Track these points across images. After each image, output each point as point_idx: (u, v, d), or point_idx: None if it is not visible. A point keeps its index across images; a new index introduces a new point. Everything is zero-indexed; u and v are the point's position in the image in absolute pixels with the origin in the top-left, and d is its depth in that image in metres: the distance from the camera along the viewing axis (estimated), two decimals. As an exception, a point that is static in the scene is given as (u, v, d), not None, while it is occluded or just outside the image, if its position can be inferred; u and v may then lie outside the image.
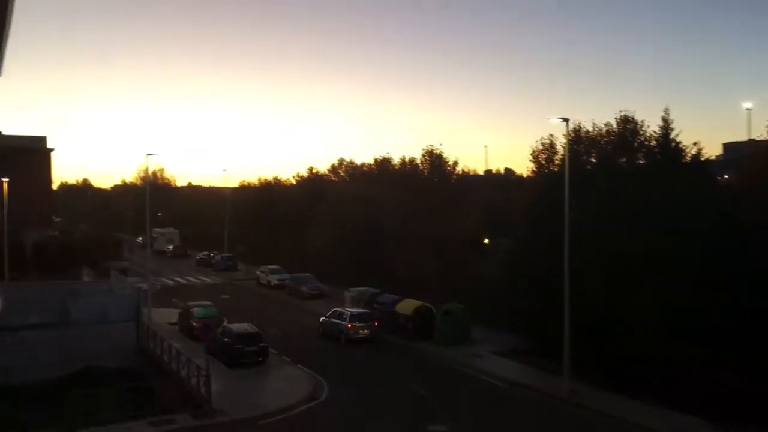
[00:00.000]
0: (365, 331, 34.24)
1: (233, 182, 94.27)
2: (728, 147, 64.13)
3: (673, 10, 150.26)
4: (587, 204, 28.01)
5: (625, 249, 26.34)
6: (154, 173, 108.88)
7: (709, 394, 21.75)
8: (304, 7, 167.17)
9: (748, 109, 71.97)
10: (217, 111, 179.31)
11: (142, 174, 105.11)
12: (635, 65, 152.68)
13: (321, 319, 36.58)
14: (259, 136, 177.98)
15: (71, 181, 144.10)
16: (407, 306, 35.10)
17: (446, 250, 43.26)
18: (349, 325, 34.15)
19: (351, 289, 41.37)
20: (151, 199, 41.67)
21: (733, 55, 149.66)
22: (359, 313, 35.20)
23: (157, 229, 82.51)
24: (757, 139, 38.93)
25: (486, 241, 48.13)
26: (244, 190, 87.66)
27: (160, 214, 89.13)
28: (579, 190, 26.45)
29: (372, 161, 65.61)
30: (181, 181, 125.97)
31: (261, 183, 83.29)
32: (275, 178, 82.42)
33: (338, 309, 36.16)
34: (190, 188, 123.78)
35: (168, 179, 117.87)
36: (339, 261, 51.05)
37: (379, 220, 48.77)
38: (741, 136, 70.13)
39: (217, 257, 68.73)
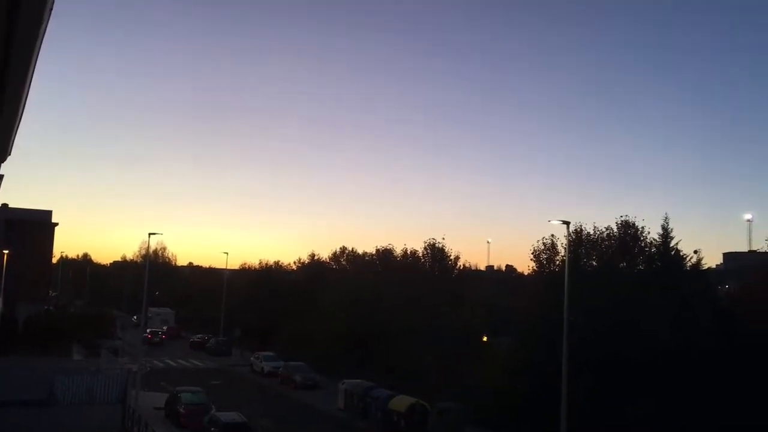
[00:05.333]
0: (158, 339, 70.18)
1: (234, 264, 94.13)
2: (728, 257, 64.33)
3: (675, 118, 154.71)
4: (587, 307, 27.84)
5: (625, 354, 25.98)
6: (155, 251, 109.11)
7: None
8: (306, 93, 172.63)
9: (748, 220, 72.75)
10: (221, 191, 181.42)
11: (142, 251, 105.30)
12: (637, 171, 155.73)
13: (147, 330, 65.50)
14: (262, 218, 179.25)
15: (71, 254, 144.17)
16: (401, 403, 34.14)
17: (445, 345, 42.58)
18: (149, 336, 66.34)
19: (345, 381, 40.41)
20: (150, 277, 41.50)
21: (734, 166, 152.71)
22: (156, 330, 73.25)
23: (153, 309, 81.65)
24: (759, 251, 39.07)
25: (485, 338, 47.43)
26: (244, 273, 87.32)
27: (157, 293, 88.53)
28: (579, 292, 26.37)
29: (374, 251, 65.82)
30: (181, 261, 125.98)
31: (261, 266, 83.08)
32: (276, 263, 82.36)
33: (150, 329, 69.08)
34: (191, 268, 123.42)
35: (169, 258, 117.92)
36: (336, 351, 50.17)
37: (378, 311, 48.30)
38: (741, 247, 70.52)
39: (212, 341, 67.62)
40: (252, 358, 56.18)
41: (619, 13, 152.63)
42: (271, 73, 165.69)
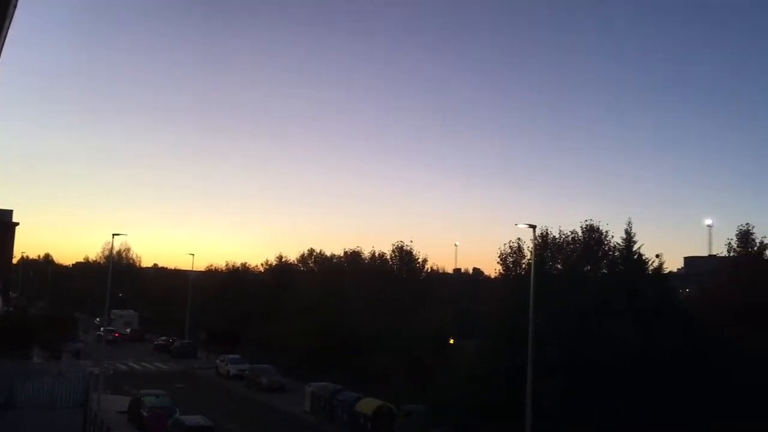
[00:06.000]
0: (111, 337, 68.21)
1: (200, 266, 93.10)
2: (689, 261, 65.70)
3: (638, 124, 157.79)
4: (553, 309, 28.18)
5: (591, 357, 26.40)
6: (118, 253, 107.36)
7: None
8: (276, 94, 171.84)
9: (708, 225, 74.43)
10: (188, 192, 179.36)
11: (106, 252, 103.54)
12: (602, 176, 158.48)
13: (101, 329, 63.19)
14: (230, 219, 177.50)
15: (32, 255, 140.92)
16: (368, 405, 34.13)
17: (412, 347, 42.66)
18: (102, 332, 60.87)
19: (311, 383, 40.27)
20: (113, 279, 40.80)
21: (696, 172, 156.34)
22: (110, 329, 68.92)
23: (116, 311, 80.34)
24: (718, 255, 40.03)
25: (452, 341, 47.65)
26: (211, 275, 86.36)
27: (120, 294, 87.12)
28: (545, 296, 26.70)
29: (342, 253, 65.67)
30: (146, 262, 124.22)
31: (228, 268, 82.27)
32: (243, 264, 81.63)
33: (105, 328, 61.49)
34: (155, 270, 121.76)
35: (133, 259, 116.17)
36: (303, 353, 49.90)
37: (345, 313, 48.20)
38: (702, 251, 72.08)
39: (177, 343, 66.80)
40: (217, 361, 55.62)
41: (578, 15, 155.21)
42: (240, 72, 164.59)
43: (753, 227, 30.80)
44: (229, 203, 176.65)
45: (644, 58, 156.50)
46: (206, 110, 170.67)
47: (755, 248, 30.50)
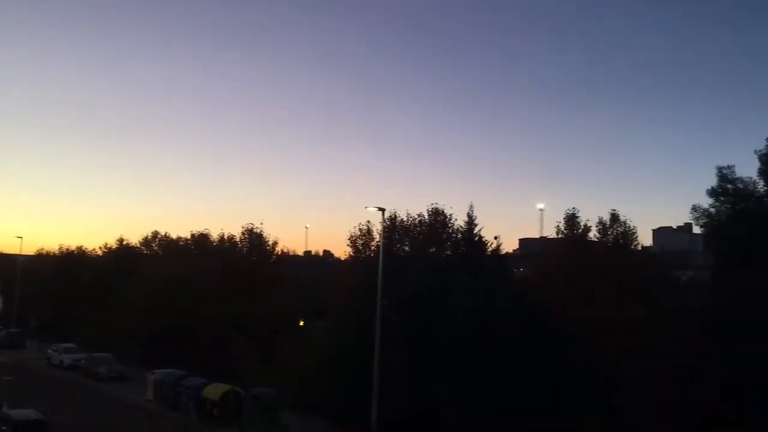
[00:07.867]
0: None
1: (30, 250, 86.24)
2: (523, 243, 70.64)
3: (476, 110, 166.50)
4: (400, 291, 29.13)
5: (434, 336, 27.60)
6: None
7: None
8: (116, 72, 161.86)
9: (540, 209, 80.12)
10: (15, 172, 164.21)
11: None
12: (444, 159, 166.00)
13: None
14: (64, 201, 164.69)
15: None
16: (215, 390, 33.55)
17: (263, 331, 42.33)
18: None
19: (155, 371, 38.82)
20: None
21: (530, 158, 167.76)
22: None
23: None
24: (548, 237, 43.31)
25: (301, 323, 47.86)
26: (42, 259, 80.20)
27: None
28: (393, 277, 27.56)
29: (189, 236, 63.35)
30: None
31: (62, 252, 76.72)
32: (79, 248, 76.41)
33: None
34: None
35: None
36: (146, 341, 47.81)
37: (192, 298, 46.75)
38: (534, 233, 77.51)
39: (3, 333, 61.76)
40: (49, 351, 52.18)
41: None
42: (85, 52, 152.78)
43: (578, 211, 33.62)
44: (63, 184, 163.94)
45: (476, 48, 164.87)
46: (35, 90, 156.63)
47: (580, 230, 33.23)
